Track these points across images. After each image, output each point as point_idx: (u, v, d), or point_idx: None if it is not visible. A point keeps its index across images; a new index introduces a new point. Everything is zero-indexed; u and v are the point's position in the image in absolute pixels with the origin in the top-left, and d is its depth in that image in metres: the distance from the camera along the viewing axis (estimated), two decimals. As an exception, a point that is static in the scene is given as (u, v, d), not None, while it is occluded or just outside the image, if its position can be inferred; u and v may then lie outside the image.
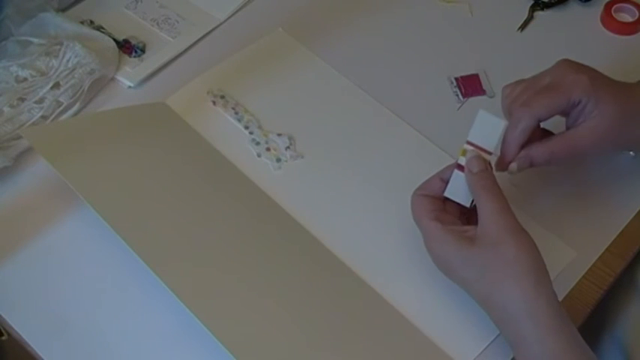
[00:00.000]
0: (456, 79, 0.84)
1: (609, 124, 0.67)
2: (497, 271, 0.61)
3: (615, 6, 0.89)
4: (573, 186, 0.76)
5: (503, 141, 0.67)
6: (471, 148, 0.65)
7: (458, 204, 0.66)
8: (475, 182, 0.64)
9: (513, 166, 0.67)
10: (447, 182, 0.66)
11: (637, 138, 0.70)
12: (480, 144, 0.65)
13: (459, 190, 0.66)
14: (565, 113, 0.68)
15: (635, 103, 0.68)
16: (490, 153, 0.65)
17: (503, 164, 0.67)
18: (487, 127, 0.65)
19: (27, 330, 0.66)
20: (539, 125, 0.68)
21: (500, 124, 0.64)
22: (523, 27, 0.89)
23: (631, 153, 0.76)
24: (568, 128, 0.69)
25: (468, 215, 0.67)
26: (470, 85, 0.83)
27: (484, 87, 0.83)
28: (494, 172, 0.66)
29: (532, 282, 0.60)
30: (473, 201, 0.65)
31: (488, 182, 0.64)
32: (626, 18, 0.89)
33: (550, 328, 0.59)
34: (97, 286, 0.69)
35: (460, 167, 0.65)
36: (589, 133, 0.67)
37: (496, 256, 0.61)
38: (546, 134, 0.69)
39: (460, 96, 0.82)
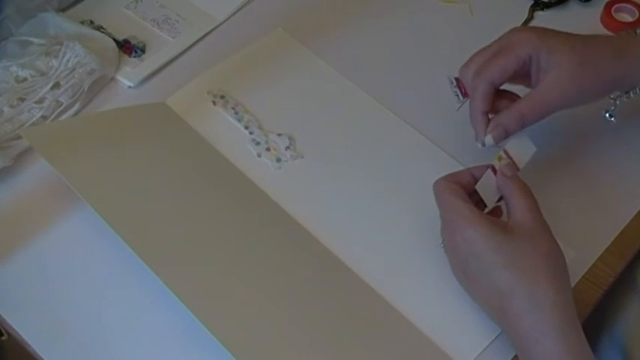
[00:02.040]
0: (456, 79, 0.83)
1: (569, 71, 0.67)
2: (531, 260, 0.61)
3: (615, 6, 0.89)
4: (573, 186, 0.76)
5: (470, 117, 0.69)
6: (505, 156, 0.68)
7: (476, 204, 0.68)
8: (510, 184, 0.66)
9: (488, 138, 0.68)
10: (477, 179, 0.68)
11: (605, 84, 0.69)
12: (513, 156, 0.68)
13: (486, 189, 0.67)
14: (523, 75, 0.69)
15: (593, 48, 0.68)
16: (518, 169, 0.68)
17: (479, 140, 0.69)
18: (522, 145, 0.68)
19: (27, 330, 0.66)
20: (505, 94, 0.69)
21: (532, 148, 0.68)
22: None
23: (607, 115, 0.74)
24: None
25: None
26: (470, 85, 0.83)
27: (484, 87, 0.83)
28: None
29: (560, 277, 0.61)
30: (498, 201, 0.68)
31: (522, 185, 0.66)
32: (626, 18, 0.89)
33: (573, 323, 0.60)
34: (97, 286, 0.69)
35: (493, 170, 0.67)
36: (553, 86, 0.67)
37: (531, 246, 0.62)
38: (516, 98, 0.70)
39: (460, 96, 0.82)
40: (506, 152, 0.68)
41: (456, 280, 0.67)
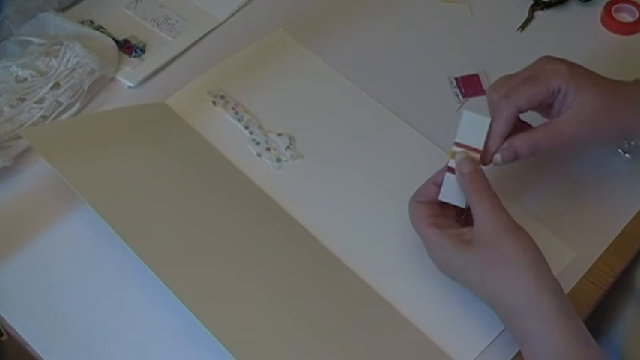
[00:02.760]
0: (456, 79, 0.84)
1: (591, 112, 0.67)
2: (498, 270, 0.62)
3: (615, 6, 0.89)
4: (573, 186, 0.76)
5: (487, 134, 0.68)
6: (459, 149, 0.66)
7: (454, 206, 0.67)
8: (467, 184, 0.65)
9: (497, 157, 0.67)
10: (440, 186, 0.67)
11: (622, 131, 0.70)
12: (468, 143, 0.66)
13: (452, 193, 0.66)
14: (547, 104, 0.69)
15: (618, 94, 0.68)
16: (479, 151, 0.66)
17: (487, 157, 0.68)
18: (473, 125, 0.66)
19: (27, 330, 0.66)
20: (522, 121, 0.69)
21: (485, 121, 0.66)
22: (523, 27, 0.89)
23: (627, 155, 0.76)
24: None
25: (466, 215, 0.67)
26: (470, 85, 0.83)
27: (484, 87, 0.83)
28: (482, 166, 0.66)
29: (533, 277, 0.61)
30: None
31: (479, 183, 0.65)
32: (626, 18, 0.89)
33: (554, 323, 0.60)
34: (97, 285, 0.69)
35: (451, 170, 0.66)
36: (571, 121, 0.67)
37: (494, 256, 0.62)
38: (529, 128, 0.70)
39: (460, 96, 0.82)
40: (458, 144, 0.66)
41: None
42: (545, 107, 0.69)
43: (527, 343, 0.61)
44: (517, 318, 0.61)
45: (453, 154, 0.66)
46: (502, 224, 0.63)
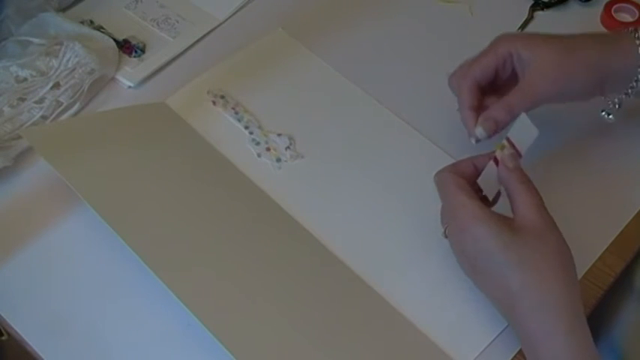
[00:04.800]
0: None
1: (552, 58, 0.68)
2: (541, 259, 0.61)
3: (615, 6, 0.89)
4: (573, 186, 0.76)
5: (460, 116, 0.71)
6: (507, 145, 0.66)
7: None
8: (512, 177, 0.65)
9: (479, 130, 0.69)
10: (478, 169, 0.67)
11: (588, 69, 0.69)
12: (516, 143, 0.66)
13: (488, 182, 0.67)
14: (508, 76, 0.71)
15: (571, 38, 0.70)
16: (521, 156, 0.66)
17: (471, 135, 0.69)
18: (524, 130, 0.66)
19: (27, 330, 0.66)
20: (493, 95, 0.71)
21: (534, 131, 0.65)
22: (523, 27, 0.89)
23: (610, 117, 0.74)
24: None
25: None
26: (470, 85, 0.83)
27: (484, 87, 0.83)
28: None
29: (568, 275, 0.61)
30: (495, 198, 0.67)
31: (525, 178, 0.65)
32: (626, 18, 0.89)
33: (581, 323, 0.60)
34: (97, 286, 0.69)
35: (496, 161, 0.66)
36: (536, 75, 0.68)
37: (540, 245, 0.62)
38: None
39: (460, 96, 0.82)
40: (508, 140, 0.67)
41: (463, 273, 0.66)
42: (509, 80, 0.71)
43: (549, 339, 0.60)
44: (546, 310, 0.60)
45: (502, 147, 0.66)
46: (548, 220, 0.63)
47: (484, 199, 0.68)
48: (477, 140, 0.70)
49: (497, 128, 0.69)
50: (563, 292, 0.60)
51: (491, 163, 0.67)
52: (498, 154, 0.66)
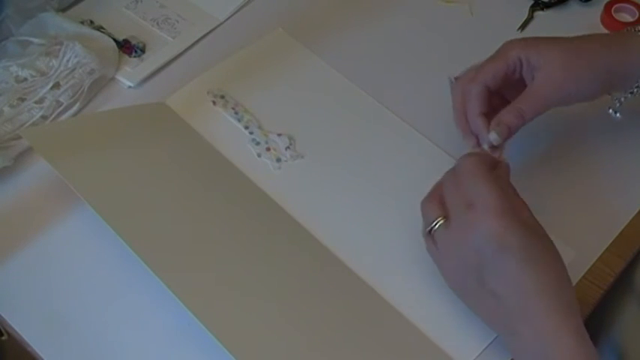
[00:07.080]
0: (456, 79, 0.83)
1: (560, 62, 0.68)
2: (553, 261, 0.62)
3: (615, 6, 0.89)
4: (573, 186, 0.76)
5: (468, 118, 0.70)
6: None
7: None
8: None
9: (493, 135, 0.68)
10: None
11: (596, 73, 0.70)
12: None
13: None
14: (517, 82, 0.71)
15: (579, 41, 0.70)
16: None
17: (484, 141, 0.69)
18: None
19: (27, 330, 0.66)
20: (501, 101, 0.71)
21: None
22: (523, 27, 0.89)
23: (617, 115, 0.73)
24: None
25: None
26: (470, 85, 0.83)
27: (484, 87, 0.83)
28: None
29: (567, 274, 0.62)
30: None
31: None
32: (626, 18, 0.89)
33: (581, 320, 0.60)
34: (97, 285, 0.69)
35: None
36: (546, 79, 0.68)
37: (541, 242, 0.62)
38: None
39: (460, 96, 0.82)
40: None
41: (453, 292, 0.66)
42: (518, 85, 0.70)
43: (557, 342, 0.59)
44: (557, 314, 0.59)
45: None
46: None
47: None
48: (490, 145, 0.69)
49: (511, 133, 0.68)
50: (571, 290, 0.61)
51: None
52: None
